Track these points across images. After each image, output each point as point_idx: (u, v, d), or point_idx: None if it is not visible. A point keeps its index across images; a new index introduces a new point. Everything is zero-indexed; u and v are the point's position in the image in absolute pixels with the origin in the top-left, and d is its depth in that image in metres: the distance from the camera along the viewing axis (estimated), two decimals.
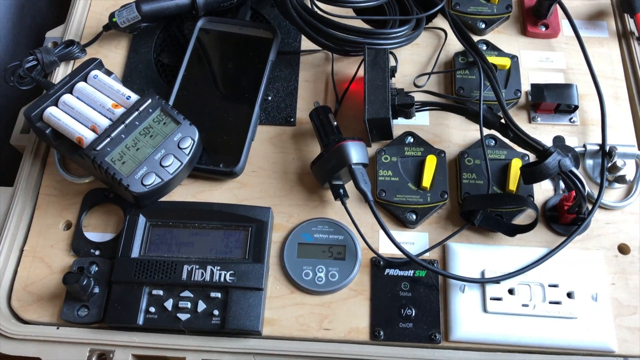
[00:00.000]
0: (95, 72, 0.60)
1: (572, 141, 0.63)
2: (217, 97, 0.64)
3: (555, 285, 0.55)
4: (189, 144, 0.57)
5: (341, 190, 0.57)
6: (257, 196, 0.60)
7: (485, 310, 0.54)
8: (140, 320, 0.53)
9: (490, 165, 0.59)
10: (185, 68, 0.65)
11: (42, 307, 0.55)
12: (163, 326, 0.53)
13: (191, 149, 0.57)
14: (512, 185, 0.58)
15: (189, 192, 0.60)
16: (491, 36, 0.69)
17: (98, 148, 0.55)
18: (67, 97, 0.58)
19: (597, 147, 0.61)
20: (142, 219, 0.57)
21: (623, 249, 0.57)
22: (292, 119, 0.64)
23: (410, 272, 0.56)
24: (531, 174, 0.53)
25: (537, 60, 0.68)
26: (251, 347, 0.53)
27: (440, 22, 0.70)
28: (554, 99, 0.62)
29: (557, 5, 0.69)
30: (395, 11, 0.68)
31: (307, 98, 0.66)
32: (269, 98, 0.65)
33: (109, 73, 0.61)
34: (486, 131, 0.60)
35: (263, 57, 0.66)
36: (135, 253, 0.55)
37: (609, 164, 0.59)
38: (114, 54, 0.69)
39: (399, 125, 0.63)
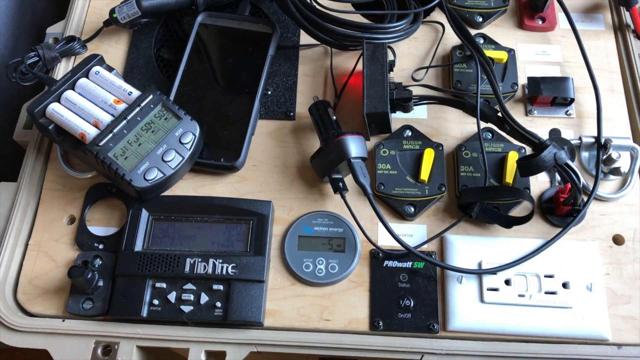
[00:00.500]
0: (97, 68, 0.60)
1: (568, 134, 0.63)
2: (217, 92, 0.65)
3: (550, 276, 0.56)
4: (190, 139, 0.58)
5: (340, 184, 0.58)
6: (258, 190, 0.61)
7: (482, 300, 0.55)
8: (144, 313, 0.54)
9: (487, 158, 0.59)
10: (185, 63, 0.66)
11: (47, 300, 0.56)
12: (167, 318, 0.54)
13: (192, 144, 0.58)
14: (509, 178, 0.59)
15: (190, 187, 0.61)
16: (488, 29, 0.70)
17: (101, 144, 0.55)
18: (69, 93, 0.59)
19: (593, 140, 0.62)
20: (144, 213, 0.58)
21: (617, 240, 0.58)
22: (292, 114, 0.65)
23: (408, 264, 0.57)
24: (527, 166, 0.54)
25: (534, 54, 0.68)
26: (253, 337, 0.54)
27: (437, 15, 0.71)
28: (550, 92, 0.63)
29: None
30: (393, 5, 0.68)
31: (307, 92, 0.66)
32: (269, 92, 0.66)
33: (110, 69, 0.61)
34: (483, 124, 0.60)
35: (262, 52, 0.66)
36: (138, 247, 0.56)
37: (604, 156, 0.60)
38: (115, 50, 0.69)
39: (397, 119, 0.64)
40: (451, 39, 0.69)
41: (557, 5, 0.70)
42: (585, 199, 0.57)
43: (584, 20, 0.71)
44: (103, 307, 0.55)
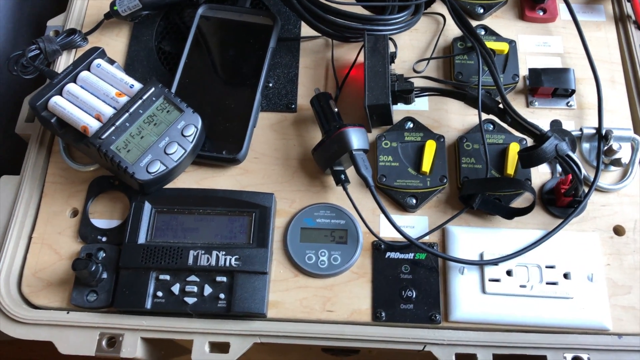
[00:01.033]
0: (99, 61, 0.60)
1: (569, 125, 0.64)
2: (218, 85, 0.65)
3: (552, 267, 0.56)
4: (192, 132, 0.58)
5: (342, 176, 0.58)
6: (260, 182, 0.61)
7: (483, 291, 0.55)
8: (148, 305, 0.54)
9: (488, 149, 0.60)
10: (186, 56, 0.66)
11: (51, 293, 0.57)
12: (170, 310, 0.54)
13: (194, 137, 0.58)
14: (510, 169, 0.59)
15: (192, 179, 0.61)
16: (489, 21, 0.70)
17: (103, 137, 0.55)
18: (71, 86, 0.59)
19: (594, 131, 0.62)
20: (147, 206, 0.58)
21: (618, 231, 0.59)
22: (293, 106, 0.65)
23: (410, 255, 0.57)
24: (529, 158, 0.54)
25: (535, 45, 0.68)
26: (256, 329, 0.54)
27: (438, 7, 0.71)
28: (551, 84, 0.63)
29: None
30: None
31: (308, 84, 0.66)
32: (270, 85, 0.66)
33: (111, 62, 0.61)
34: (484, 116, 0.61)
35: (263, 44, 0.66)
36: (141, 239, 0.56)
37: (605, 147, 0.60)
38: (116, 42, 0.69)
39: (399, 110, 0.64)
40: (452, 30, 0.69)
41: None
42: (586, 190, 0.57)
43: (585, 11, 0.71)
44: (107, 299, 0.55)
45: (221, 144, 0.61)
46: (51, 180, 0.62)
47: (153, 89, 0.58)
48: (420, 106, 0.65)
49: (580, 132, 0.62)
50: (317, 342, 0.54)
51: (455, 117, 0.64)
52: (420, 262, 0.57)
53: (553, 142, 0.53)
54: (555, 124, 0.64)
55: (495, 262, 0.55)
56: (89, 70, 0.60)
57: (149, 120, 0.58)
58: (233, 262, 0.55)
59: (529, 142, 0.61)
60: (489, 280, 0.55)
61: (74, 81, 0.59)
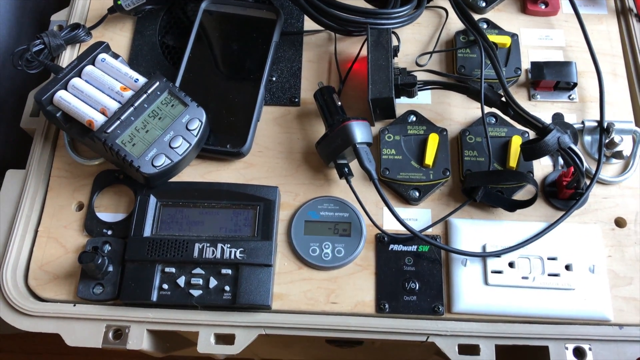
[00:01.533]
0: (103, 55, 0.61)
1: (571, 118, 0.64)
2: (222, 79, 0.65)
3: (554, 258, 0.56)
4: (196, 126, 0.59)
5: (346, 169, 0.59)
6: (264, 176, 0.62)
7: (486, 282, 0.56)
8: (154, 297, 0.55)
9: (491, 142, 0.60)
10: (190, 50, 0.66)
11: (58, 286, 0.57)
12: (176, 302, 0.55)
13: (199, 130, 0.59)
14: (513, 162, 0.59)
15: (197, 173, 0.62)
16: (491, 14, 0.70)
17: (109, 130, 0.56)
18: (76, 81, 0.59)
19: (595, 124, 0.62)
20: (152, 199, 0.58)
21: (619, 223, 0.59)
22: (297, 99, 0.65)
23: (413, 247, 0.58)
24: (531, 150, 0.55)
25: (537, 38, 0.69)
26: (261, 320, 0.55)
27: (441, 0, 0.71)
28: (553, 77, 0.64)
29: None
30: None
31: (311, 78, 0.67)
32: (274, 79, 0.66)
33: (116, 56, 0.62)
34: (487, 109, 0.61)
35: (267, 38, 0.66)
36: (147, 232, 0.57)
37: (607, 140, 0.61)
38: (119, 37, 0.70)
39: (402, 104, 0.64)
40: (455, 24, 0.69)
41: None
42: (588, 182, 0.58)
43: (587, 4, 0.71)
44: (113, 292, 0.56)
45: (225, 138, 0.62)
46: (56, 174, 0.62)
47: (157, 83, 0.59)
48: (423, 100, 0.65)
49: (582, 125, 0.63)
50: (322, 333, 0.55)
51: (458, 111, 0.65)
52: (423, 254, 0.58)
53: (555, 135, 0.54)
54: (557, 117, 0.64)
55: (497, 254, 0.56)
56: (93, 64, 0.60)
57: (154, 114, 0.58)
58: (238, 254, 0.55)
59: (532, 135, 0.61)
60: (492, 272, 0.56)
61: (79, 75, 0.60)
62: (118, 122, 0.56)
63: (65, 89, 0.59)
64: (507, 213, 0.59)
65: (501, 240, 0.57)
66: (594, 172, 0.59)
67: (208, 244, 0.56)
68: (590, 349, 0.53)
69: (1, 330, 0.97)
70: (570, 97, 0.65)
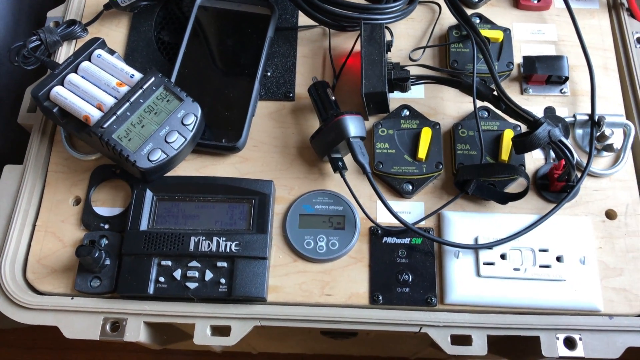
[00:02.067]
0: (99, 51, 0.61)
1: (562, 111, 0.65)
2: (217, 74, 0.66)
3: (545, 250, 0.57)
4: (192, 121, 0.59)
5: (340, 163, 0.59)
6: (259, 170, 0.62)
7: (478, 274, 0.56)
8: (151, 290, 0.55)
9: (483, 136, 0.61)
10: (185, 46, 0.66)
11: (56, 279, 0.58)
12: (173, 295, 0.55)
13: (194, 125, 0.59)
14: (505, 155, 0.60)
15: (193, 167, 0.63)
16: (484, 9, 0.71)
17: (105, 126, 0.56)
18: (72, 77, 0.60)
19: (587, 117, 0.63)
20: (149, 194, 0.59)
21: (610, 215, 0.60)
22: (291, 94, 0.66)
23: (407, 240, 0.59)
24: (522, 144, 0.55)
25: (529, 33, 0.69)
26: (257, 312, 0.56)
27: None
28: (545, 71, 0.64)
29: None
30: None
31: (306, 73, 0.67)
32: (268, 74, 0.67)
33: (112, 52, 0.62)
34: (479, 103, 0.62)
35: (261, 34, 0.67)
36: (143, 226, 0.57)
37: (598, 133, 0.62)
38: (115, 33, 0.70)
39: (395, 98, 0.65)
40: (448, 18, 0.70)
41: None
42: (579, 175, 0.58)
43: None
44: (110, 285, 0.56)
45: (221, 133, 0.62)
46: (54, 169, 0.63)
47: (153, 78, 0.59)
48: (416, 94, 0.66)
49: (573, 119, 0.63)
50: (316, 325, 0.56)
51: (451, 105, 0.65)
52: (416, 246, 0.58)
53: (546, 128, 0.54)
54: (549, 111, 0.65)
55: (489, 246, 0.57)
56: (89, 60, 0.61)
57: (150, 110, 0.58)
58: (233, 247, 0.56)
59: (523, 128, 0.62)
60: (484, 264, 0.57)
61: (75, 71, 0.60)
62: (114, 117, 0.57)
63: (62, 84, 0.59)
64: (499, 206, 0.60)
65: (493, 232, 0.58)
66: (585, 165, 0.60)
67: (204, 237, 0.57)
68: (580, 339, 0.54)
69: (1, 324, 0.98)
70: (562, 91, 0.66)
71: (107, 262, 0.57)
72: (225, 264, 0.56)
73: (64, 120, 0.60)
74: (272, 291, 0.57)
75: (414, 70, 0.64)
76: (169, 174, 0.61)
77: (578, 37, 0.66)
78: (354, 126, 0.58)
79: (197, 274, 0.56)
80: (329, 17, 0.65)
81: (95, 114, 0.57)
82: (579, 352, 0.54)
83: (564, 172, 0.58)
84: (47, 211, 0.61)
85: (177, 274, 0.56)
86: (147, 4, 0.69)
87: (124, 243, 0.57)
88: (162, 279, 0.56)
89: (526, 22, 0.70)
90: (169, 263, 0.56)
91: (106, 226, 0.59)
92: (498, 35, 0.66)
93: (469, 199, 0.60)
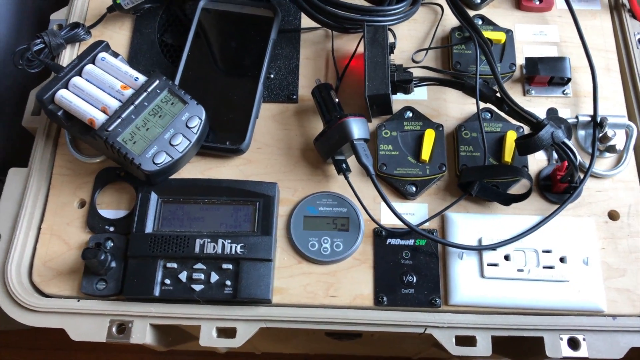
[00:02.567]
0: (103, 54, 0.61)
1: (565, 112, 0.65)
2: (221, 76, 0.66)
3: (548, 251, 0.57)
4: (196, 123, 0.59)
5: (344, 165, 0.60)
6: (263, 172, 0.63)
7: (482, 275, 0.57)
8: (157, 292, 0.56)
9: (486, 137, 0.61)
10: (189, 48, 0.67)
11: (62, 282, 0.58)
12: (178, 297, 0.56)
13: (199, 128, 0.59)
14: (508, 157, 0.60)
15: (197, 169, 0.63)
16: (486, 11, 0.71)
17: (110, 129, 0.57)
18: (77, 80, 0.60)
19: (589, 118, 0.63)
20: (154, 196, 0.59)
21: (613, 215, 0.60)
22: (295, 96, 0.66)
23: (411, 241, 0.59)
24: (525, 145, 0.56)
25: (531, 34, 0.70)
26: (262, 314, 0.56)
27: None
28: (547, 72, 0.65)
29: None
30: None
31: (309, 75, 0.68)
32: (272, 76, 0.67)
33: (115, 55, 0.62)
34: (482, 105, 0.62)
35: (265, 36, 0.67)
36: (149, 228, 0.58)
37: (600, 134, 0.62)
38: (119, 36, 0.70)
39: (398, 100, 0.65)
40: (450, 20, 0.70)
41: None
42: (582, 176, 0.59)
43: (580, 0, 0.72)
44: (116, 287, 0.57)
45: (224, 135, 0.62)
46: (58, 172, 0.63)
47: (157, 81, 0.59)
48: (420, 96, 0.66)
49: (575, 120, 0.63)
50: (321, 326, 0.56)
51: (454, 106, 0.65)
52: (420, 248, 0.59)
53: (549, 130, 0.55)
54: (552, 112, 0.65)
55: (493, 247, 0.57)
56: (94, 63, 0.61)
57: (154, 112, 0.59)
58: (238, 249, 0.56)
59: (526, 130, 0.62)
60: (488, 265, 0.57)
61: (80, 74, 0.60)
62: (119, 120, 0.57)
63: (67, 87, 0.60)
64: (502, 207, 0.60)
65: (497, 233, 0.58)
66: (587, 166, 0.60)
67: (209, 240, 0.57)
68: (584, 340, 0.55)
69: (5, 326, 0.98)
70: (564, 92, 0.66)
71: (113, 264, 0.57)
72: (230, 266, 0.56)
73: (69, 123, 0.60)
74: (277, 293, 0.57)
75: (417, 72, 0.64)
76: (173, 176, 0.61)
77: (580, 38, 0.66)
78: (357, 128, 0.58)
79: (202, 276, 0.56)
80: (331, 19, 0.65)
81: (100, 117, 0.58)
82: (582, 352, 0.54)
83: (566, 173, 0.58)
84: (53, 214, 0.61)
85: (183, 276, 0.56)
86: (150, 6, 0.69)
87: (129, 245, 0.57)
88: (167, 281, 0.56)
89: (528, 24, 0.70)
90: (175, 265, 0.56)
91: (111, 229, 0.60)
92: (500, 36, 0.67)
93: (472, 201, 0.61)
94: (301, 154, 0.63)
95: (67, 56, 0.68)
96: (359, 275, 0.58)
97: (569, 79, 0.65)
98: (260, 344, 0.87)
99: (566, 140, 0.55)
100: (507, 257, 0.57)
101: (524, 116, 0.57)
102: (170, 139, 0.58)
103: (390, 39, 0.66)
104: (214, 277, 0.56)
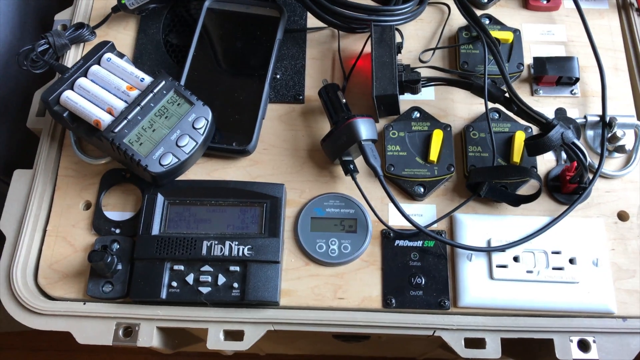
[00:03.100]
0: (108, 54, 0.61)
1: (573, 113, 0.65)
2: (227, 77, 0.66)
3: (558, 252, 0.57)
4: (203, 124, 0.59)
5: (351, 166, 0.59)
6: (270, 173, 0.62)
7: (491, 277, 0.56)
8: (164, 295, 0.55)
9: (494, 138, 0.60)
10: (194, 48, 0.66)
11: (68, 284, 0.58)
12: (185, 299, 0.55)
13: (205, 129, 0.59)
14: (516, 157, 0.60)
15: (203, 171, 0.62)
16: (494, 10, 0.71)
17: (116, 130, 0.56)
18: (82, 81, 0.59)
19: (598, 118, 0.63)
20: (160, 198, 0.59)
21: (622, 216, 0.60)
22: (301, 97, 0.66)
23: (419, 243, 0.58)
24: (535, 146, 0.55)
25: (539, 33, 0.69)
26: (270, 317, 0.55)
27: None
28: (555, 72, 0.64)
29: None
30: None
31: (315, 75, 0.67)
32: (278, 76, 0.67)
33: (121, 55, 0.62)
34: (490, 105, 0.61)
35: (271, 36, 0.67)
36: (155, 230, 0.57)
37: (609, 135, 0.61)
38: (123, 36, 0.70)
39: (406, 100, 0.65)
40: (457, 19, 0.69)
41: None
42: (591, 176, 0.58)
43: None
44: (122, 290, 0.56)
45: (231, 136, 0.62)
46: (64, 174, 0.63)
47: (163, 82, 0.59)
48: (427, 96, 0.66)
49: (584, 120, 0.63)
50: (329, 328, 0.56)
51: (462, 107, 0.65)
52: (428, 249, 0.58)
53: (559, 131, 0.54)
54: (560, 112, 0.64)
55: (502, 248, 0.57)
56: (99, 64, 0.61)
57: (160, 113, 0.58)
58: (246, 251, 0.56)
59: (534, 130, 0.61)
60: (497, 267, 0.56)
61: (85, 75, 0.60)
62: (125, 121, 0.57)
63: (72, 89, 0.59)
64: (511, 208, 0.60)
65: (506, 234, 0.58)
66: (596, 166, 0.59)
67: (216, 242, 0.56)
68: (594, 341, 0.54)
69: (7, 327, 0.98)
70: (573, 92, 0.66)
71: (119, 267, 0.57)
72: (237, 268, 0.56)
73: (74, 124, 0.59)
74: (284, 295, 0.57)
75: (424, 72, 0.64)
76: (180, 177, 0.60)
77: (588, 37, 0.66)
78: (365, 129, 0.58)
79: (209, 279, 0.56)
80: (338, 19, 0.65)
81: (106, 119, 0.57)
82: (592, 354, 0.54)
83: (576, 173, 0.58)
84: (58, 216, 0.61)
85: (190, 278, 0.56)
86: (155, 6, 0.69)
87: (136, 248, 0.57)
88: (174, 284, 0.56)
89: (536, 23, 0.70)
90: (182, 268, 0.56)
91: (117, 231, 0.59)
92: (508, 36, 0.66)
93: (481, 201, 0.60)
94: (308, 154, 0.63)
95: (72, 57, 0.68)
96: (367, 277, 0.57)
97: (577, 79, 0.65)
98: (265, 345, 0.86)
99: (576, 141, 0.55)
100: (516, 259, 0.57)
101: (533, 116, 0.57)
102: (177, 140, 0.58)
103: (398, 39, 0.65)
104: (221, 279, 0.56)
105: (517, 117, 0.61)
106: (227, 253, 0.56)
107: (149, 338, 0.55)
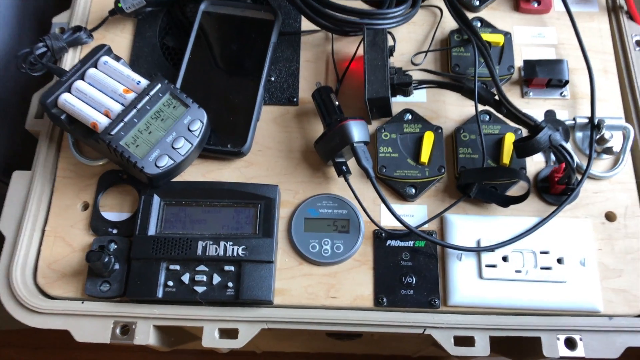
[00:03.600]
0: (105, 58, 0.62)
1: (562, 115, 0.66)
2: (222, 79, 0.67)
3: (546, 252, 0.58)
4: (198, 126, 0.60)
5: (344, 167, 0.60)
6: (264, 174, 0.63)
7: (481, 276, 0.57)
8: (160, 294, 0.56)
9: (484, 140, 0.61)
10: (190, 51, 0.67)
11: (66, 284, 0.59)
12: (181, 298, 0.57)
13: (200, 131, 0.60)
14: (506, 159, 0.61)
15: (199, 172, 0.63)
16: (485, 13, 0.72)
17: (113, 132, 0.57)
18: (79, 84, 0.60)
19: (587, 120, 0.64)
20: (156, 199, 0.60)
21: (610, 217, 0.61)
22: (295, 99, 0.67)
23: (410, 243, 0.60)
24: (524, 148, 0.56)
25: (530, 36, 0.70)
26: (264, 315, 0.57)
27: None
28: (545, 75, 0.65)
29: None
30: None
31: (309, 78, 0.68)
32: (272, 79, 0.68)
33: (117, 58, 0.63)
34: (481, 107, 0.62)
35: (265, 39, 0.68)
36: (151, 231, 0.58)
37: (598, 136, 0.62)
38: (120, 39, 0.71)
39: (398, 102, 0.66)
40: (449, 22, 0.70)
41: None
42: (579, 177, 0.59)
43: (578, 2, 0.72)
44: (120, 289, 0.57)
45: (226, 138, 0.63)
46: (62, 175, 0.64)
47: (159, 85, 0.60)
48: (419, 98, 0.67)
49: (573, 122, 0.64)
50: (322, 327, 0.57)
51: (453, 109, 0.66)
52: (419, 249, 0.59)
53: (547, 133, 0.55)
54: (550, 114, 0.65)
55: (491, 248, 0.58)
56: (96, 67, 0.62)
57: (156, 116, 0.59)
58: (240, 251, 0.57)
59: (524, 132, 0.62)
60: (486, 266, 0.58)
61: (82, 78, 0.61)
62: (122, 124, 0.58)
63: (69, 91, 0.60)
64: (500, 208, 0.61)
65: (495, 235, 0.59)
66: (585, 167, 0.60)
67: (211, 242, 0.58)
68: (581, 339, 0.55)
69: (7, 325, 0.99)
70: (562, 94, 0.67)
71: (116, 266, 0.58)
72: (232, 268, 0.57)
73: (72, 126, 0.60)
74: (278, 294, 0.58)
75: (416, 75, 0.65)
76: (175, 179, 0.62)
77: (578, 40, 0.67)
78: (357, 131, 0.59)
79: (205, 278, 0.57)
80: (331, 22, 0.66)
81: (102, 121, 0.58)
82: (579, 352, 0.55)
83: (564, 175, 0.59)
84: (56, 216, 0.62)
85: (186, 278, 0.57)
86: (151, 9, 0.70)
87: (132, 248, 0.58)
88: (170, 283, 0.57)
89: (527, 26, 0.71)
90: (177, 267, 0.57)
91: (114, 231, 0.60)
92: (499, 39, 0.67)
93: (471, 202, 0.61)
94: (302, 156, 0.64)
95: (69, 60, 0.69)
96: (359, 276, 0.59)
97: (567, 81, 0.66)
98: (261, 343, 0.87)
99: (563, 143, 0.56)
100: (505, 258, 0.58)
101: (521, 119, 0.58)
102: (173, 142, 0.59)
103: (390, 42, 0.66)
104: (216, 278, 0.57)
105: (507, 120, 0.62)
106: (222, 253, 0.57)
107: (145, 336, 0.56)
